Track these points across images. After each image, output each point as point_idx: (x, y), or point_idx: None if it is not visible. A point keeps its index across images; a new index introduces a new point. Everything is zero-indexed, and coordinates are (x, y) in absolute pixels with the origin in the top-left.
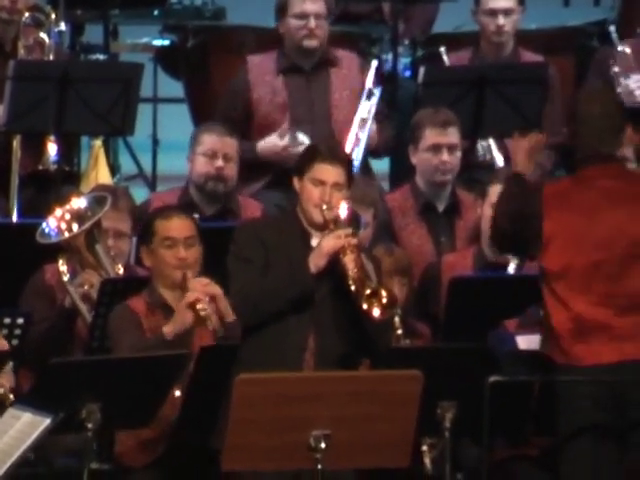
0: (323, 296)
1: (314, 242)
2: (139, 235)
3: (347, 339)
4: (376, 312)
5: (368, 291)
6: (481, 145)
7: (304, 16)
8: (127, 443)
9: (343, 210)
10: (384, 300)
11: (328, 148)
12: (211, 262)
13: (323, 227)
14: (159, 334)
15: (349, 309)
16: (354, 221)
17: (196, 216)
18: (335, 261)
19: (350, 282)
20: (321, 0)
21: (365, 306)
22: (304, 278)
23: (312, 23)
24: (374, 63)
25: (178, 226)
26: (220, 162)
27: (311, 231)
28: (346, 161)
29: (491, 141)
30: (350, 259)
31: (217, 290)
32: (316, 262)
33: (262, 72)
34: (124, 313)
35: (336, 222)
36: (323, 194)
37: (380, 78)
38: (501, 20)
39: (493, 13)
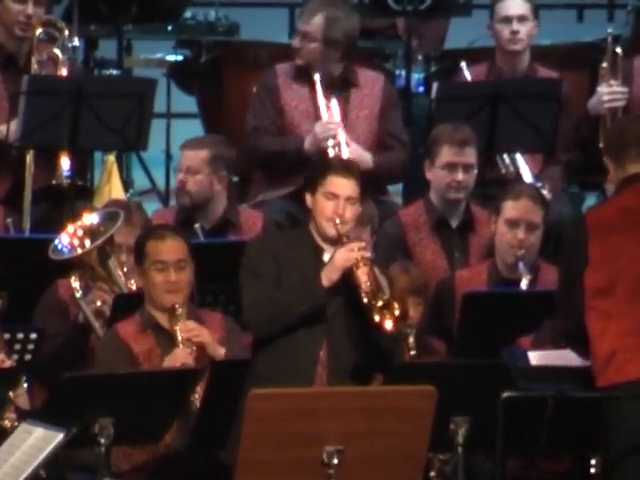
0: (335, 310)
1: (326, 257)
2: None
3: (359, 353)
4: (388, 325)
5: (380, 303)
6: (504, 159)
7: None
8: (121, 468)
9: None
10: (396, 312)
11: (341, 162)
12: (210, 277)
13: (336, 241)
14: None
15: (361, 323)
16: None
17: (197, 226)
18: (348, 274)
19: (362, 295)
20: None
21: (377, 318)
22: (317, 292)
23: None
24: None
25: (170, 249)
26: (181, 175)
27: (324, 246)
28: (358, 175)
29: (518, 155)
30: (363, 272)
31: (205, 337)
32: (329, 276)
33: (289, 79)
34: (111, 344)
35: (349, 236)
36: (337, 208)
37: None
38: (515, 26)
39: (507, 20)
